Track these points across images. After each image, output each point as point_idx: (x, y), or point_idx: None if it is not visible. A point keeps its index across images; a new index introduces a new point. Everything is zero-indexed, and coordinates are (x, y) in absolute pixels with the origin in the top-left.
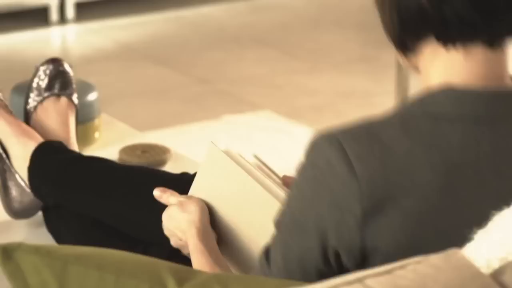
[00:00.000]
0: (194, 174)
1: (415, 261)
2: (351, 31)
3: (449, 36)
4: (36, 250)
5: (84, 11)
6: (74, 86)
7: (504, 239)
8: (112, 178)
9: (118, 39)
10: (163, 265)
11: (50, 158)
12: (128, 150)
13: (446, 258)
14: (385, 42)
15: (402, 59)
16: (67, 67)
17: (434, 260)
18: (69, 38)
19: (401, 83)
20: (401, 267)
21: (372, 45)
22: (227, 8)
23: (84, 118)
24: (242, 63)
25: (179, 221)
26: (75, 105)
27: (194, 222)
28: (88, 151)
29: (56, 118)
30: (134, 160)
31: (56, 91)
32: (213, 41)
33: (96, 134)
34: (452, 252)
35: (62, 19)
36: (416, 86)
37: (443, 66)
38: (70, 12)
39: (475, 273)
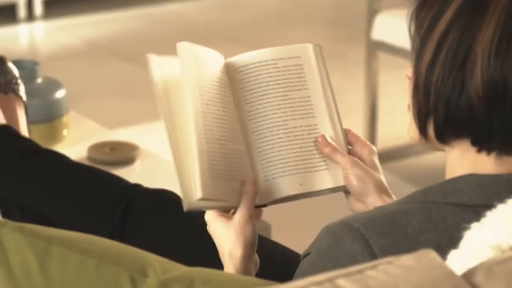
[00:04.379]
0: (146, 188)
1: (386, 261)
2: (320, 28)
3: (488, 144)
4: (21, 228)
5: (52, 8)
6: (19, 81)
7: (476, 250)
8: (63, 177)
9: (87, 36)
10: (147, 256)
11: (5, 146)
12: (96, 147)
13: (418, 259)
14: (355, 39)
15: (422, 140)
16: (10, 64)
17: (406, 260)
18: (37, 35)
19: (371, 79)
20: (372, 267)
21: (341, 42)
22: (196, 4)
23: (53, 115)
24: None
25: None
26: (23, 101)
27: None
28: (57, 149)
29: (5, 113)
30: (102, 158)
31: (1, 87)
32: (182, 38)
33: (65, 132)
34: (423, 253)
35: (30, 16)
36: (386, 82)
37: (471, 168)
38: (38, 9)
39: (447, 274)
